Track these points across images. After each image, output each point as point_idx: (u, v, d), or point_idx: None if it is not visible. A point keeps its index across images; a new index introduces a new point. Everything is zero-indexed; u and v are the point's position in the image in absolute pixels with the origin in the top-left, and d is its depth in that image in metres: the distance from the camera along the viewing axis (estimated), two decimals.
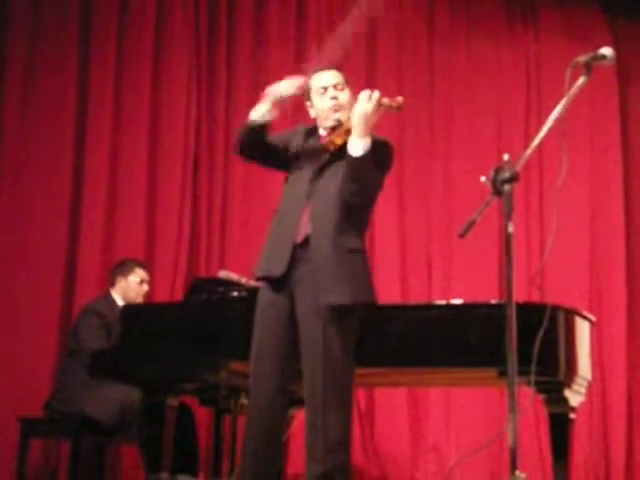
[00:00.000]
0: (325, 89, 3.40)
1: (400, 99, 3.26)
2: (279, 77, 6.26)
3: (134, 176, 6.12)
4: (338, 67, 3.49)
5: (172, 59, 6.30)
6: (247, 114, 6.11)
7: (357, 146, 3.22)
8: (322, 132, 3.42)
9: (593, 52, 2.74)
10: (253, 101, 6.28)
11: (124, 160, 6.14)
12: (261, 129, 3.41)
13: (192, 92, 6.29)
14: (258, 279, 3.42)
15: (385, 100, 3.24)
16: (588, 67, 2.72)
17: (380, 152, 3.30)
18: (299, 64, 6.28)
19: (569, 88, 2.69)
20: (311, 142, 3.43)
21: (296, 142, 3.45)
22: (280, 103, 3.39)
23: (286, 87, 3.39)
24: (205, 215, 6.28)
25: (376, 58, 6.66)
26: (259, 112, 3.41)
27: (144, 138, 6.17)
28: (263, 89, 6.26)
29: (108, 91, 6.14)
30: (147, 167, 6.16)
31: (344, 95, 3.40)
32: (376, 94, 3.22)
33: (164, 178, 6.20)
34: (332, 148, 3.33)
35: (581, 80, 2.71)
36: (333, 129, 3.36)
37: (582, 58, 2.72)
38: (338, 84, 3.41)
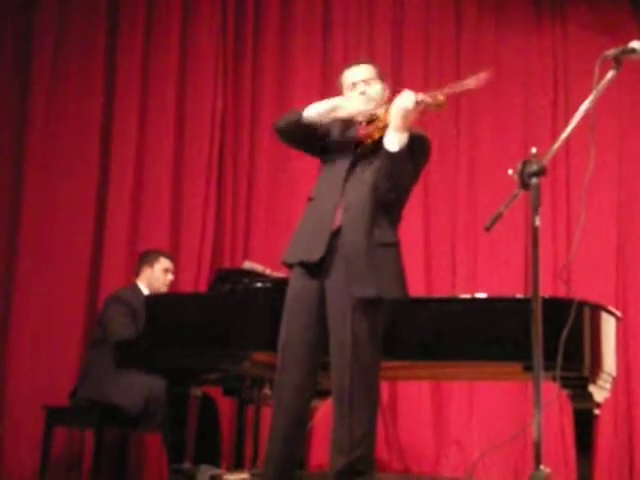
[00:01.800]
0: (354, 84, 3.41)
1: (441, 97, 3.23)
2: (304, 69, 6.37)
3: (160, 167, 6.14)
4: (371, 61, 3.48)
5: (199, 51, 6.32)
6: (272, 106, 6.28)
7: (393, 141, 3.22)
8: (357, 124, 3.40)
9: (623, 46, 2.71)
10: (278, 93, 6.39)
11: (150, 151, 6.16)
12: (310, 125, 3.38)
13: (218, 84, 6.31)
14: (290, 265, 3.42)
15: (426, 97, 3.21)
16: (617, 61, 2.70)
17: (417, 146, 3.29)
18: (325, 55, 6.42)
19: (598, 82, 2.66)
20: (347, 133, 3.42)
21: (334, 131, 3.44)
22: (340, 117, 3.37)
23: (354, 108, 3.35)
24: (230, 206, 6.29)
25: (403, 52, 6.64)
26: (316, 112, 3.35)
27: (170, 130, 6.19)
28: (288, 81, 6.38)
29: (135, 83, 6.16)
30: (173, 159, 6.18)
31: (373, 89, 3.40)
32: (413, 94, 3.20)
33: (190, 169, 6.22)
34: (369, 142, 3.31)
35: (610, 74, 2.69)
36: (369, 123, 3.34)
37: (611, 52, 2.70)
38: (367, 79, 3.40)
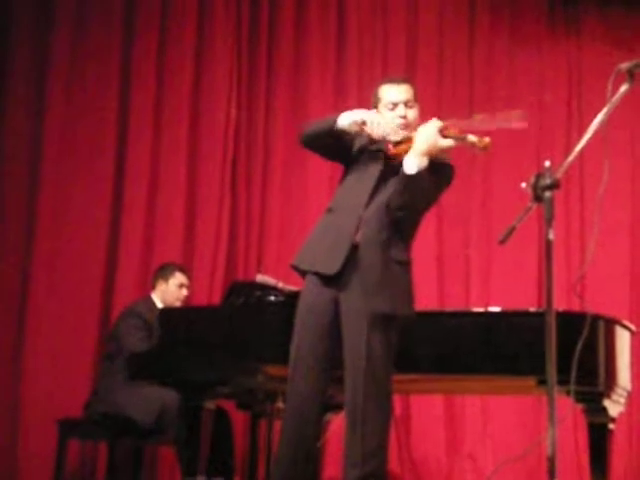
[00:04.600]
0: (395, 105, 3.40)
1: (487, 140, 3.25)
2: (318, 79, 6.39)
3: (174, 179, 6.15)
4: (410, 80, 3.49)
5: (213, 61, 6.34)
6: (286, 116, 6.29)
7: (412, 164, 3.23)
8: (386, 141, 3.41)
9: (636, 59, 2.71)
10: (292, 102, 6.41)
11: (164, 163, 6.17)
12: (337, 133, 3.39)
13: (232, 95, 6.32)
14: (302, 272, 3.42)
15: (471, 137, 3.24)
16: (631, 74, 2.69)
17: (440, 173, 3.31)
18: (340, 65, 6.43)
19: (611, 95, 2.66)
20: (375, 147, 3.42)
21: (360, 142, 3.45)
22: (366, 132, 3.37)
23: (383, 132, 3.35)
24: (243, 219, 6.30)
25: (416, 64, 6.65)
26: (348, 122, 3.35)
27: (184, 141, 6.20)
28: (302, 90, 6.40)
29: (149, 94, 6.18)
30: (187, 170, 6.19)
31: (413, 113, 3.41)
32: (439, 123, 3.25)
33: (203, 181, 6.24)
34: (396, 161, 3.33)
35: (624, 87, 2.69)
36: (398, 143, 3.36)
37: (625, 65, 2.70)
38: (408, 101, 3.40)
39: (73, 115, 6.06)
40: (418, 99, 3.47)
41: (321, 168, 5.84)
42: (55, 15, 6.09)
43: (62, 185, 5.96)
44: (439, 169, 3.31)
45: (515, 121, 3.23)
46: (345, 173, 3.50)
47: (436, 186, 3.35)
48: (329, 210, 3.44)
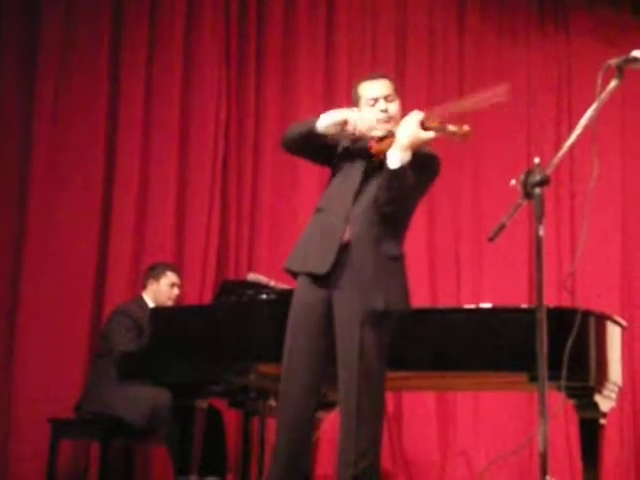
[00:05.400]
0: (376, 100, 3.39)
1: (466, 128, 3.25)
2: (308, 79, 6.39)
3: (164, 179, 6.13)
4: (388, 75, 3.49)
5: (202, 61, 6.32)
6: (276, 117, 6.29)
7: (395, 158, 3.23)
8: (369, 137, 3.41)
9: (625, 55, 2.72)
10: (282, 104, 6.40)
11: (154, 163, 6.15)
12: (318, 136, 3.38)
13: (222, 95, 6.31)
14: (294, 273, 3.42)
15: (451, 127, 3.24)
16: (620, 70, 2.70)
17: (426, 164, 3.31)
18: (329, 65, 6.43)
19: (600, 91, 2.67)
20: (358, 145, 3.42)
21: (343, 143, 3.45)
22: (349, 131, 3.37)
23: (367, 126, 3.35)
24: (234, 218, 6.29)
25: (406, 60, 6.66)
26: (327, 124, 3.34)
27: (174, 141, 6.18)
28: (292, 92, 6.40)
29: (138, 96, 6.15)
30: (177, 170, 6.17)
31: (394, 106, 3.40)
32: (419, 115, 3.24)
33: (194, 181, 6.22)
34: (381, 157, 3.32)
35: (613, 83, 2.69)
36: (381, 138, 3.36)
37: (614, 61, 2.70)
38: (388, 95, 3.40)
39: (63, 116, 6.03)
40: (399, 94, 3.46)
41: (312, 166, 5.83)
42: (43, 13, 6.07)
43: (53, 187, 5.93)
44: (425, 161, 3.31)
45: (497, 97, 3.23)
46: (331, 174, 3.50)
47: (424, 179, 3.35)
48: (317, 211, 3.44)
